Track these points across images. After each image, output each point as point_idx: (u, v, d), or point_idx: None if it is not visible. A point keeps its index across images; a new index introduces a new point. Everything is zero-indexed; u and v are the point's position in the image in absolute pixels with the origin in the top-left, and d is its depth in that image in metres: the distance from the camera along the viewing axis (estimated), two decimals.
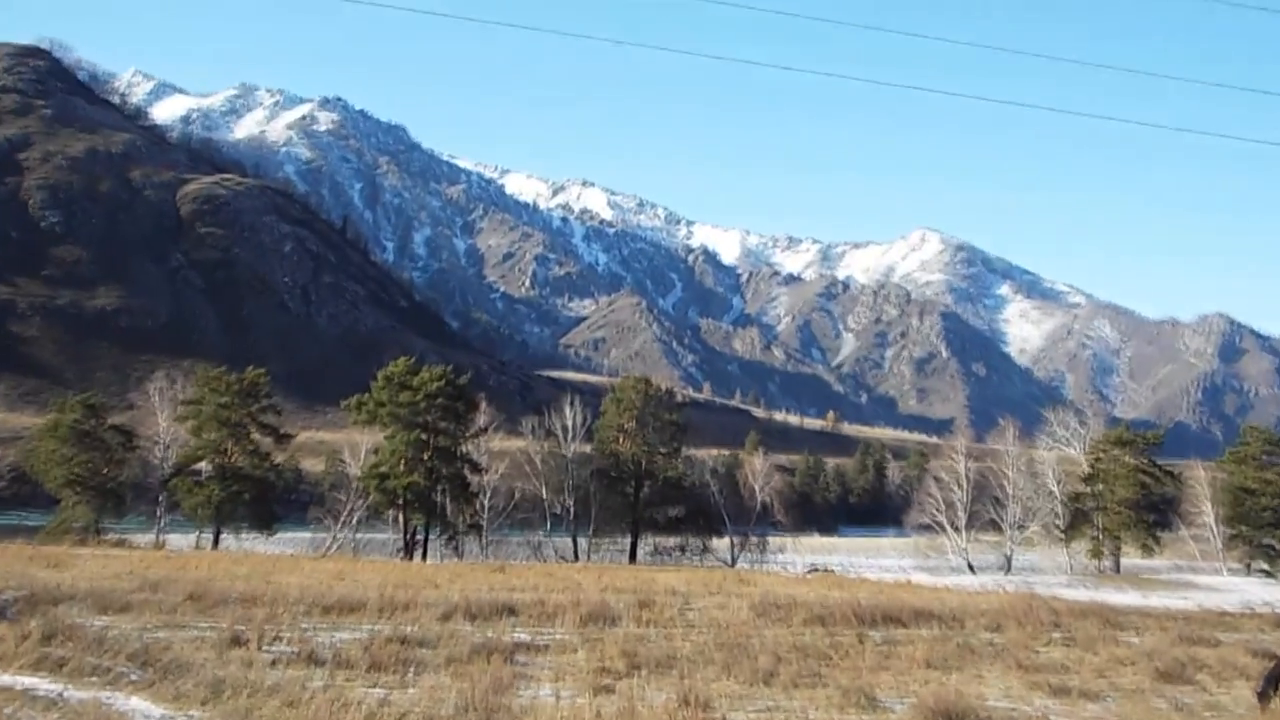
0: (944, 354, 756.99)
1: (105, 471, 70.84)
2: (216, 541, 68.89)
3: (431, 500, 66.56)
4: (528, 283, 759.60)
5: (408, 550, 66.00)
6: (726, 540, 78.43)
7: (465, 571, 43.72)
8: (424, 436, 66.46)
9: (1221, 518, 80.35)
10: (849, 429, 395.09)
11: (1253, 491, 79.07)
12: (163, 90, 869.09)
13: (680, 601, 31.33)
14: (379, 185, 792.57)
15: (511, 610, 26.80)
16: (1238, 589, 55.48)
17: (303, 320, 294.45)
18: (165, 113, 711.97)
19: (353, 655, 19.34)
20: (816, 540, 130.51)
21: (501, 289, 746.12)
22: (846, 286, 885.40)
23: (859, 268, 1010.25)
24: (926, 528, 79.63)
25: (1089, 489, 79.10)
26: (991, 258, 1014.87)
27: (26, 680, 15.88)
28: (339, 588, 30.89)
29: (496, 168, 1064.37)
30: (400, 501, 65.72)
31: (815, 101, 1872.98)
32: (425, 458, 66.23)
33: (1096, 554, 76.27)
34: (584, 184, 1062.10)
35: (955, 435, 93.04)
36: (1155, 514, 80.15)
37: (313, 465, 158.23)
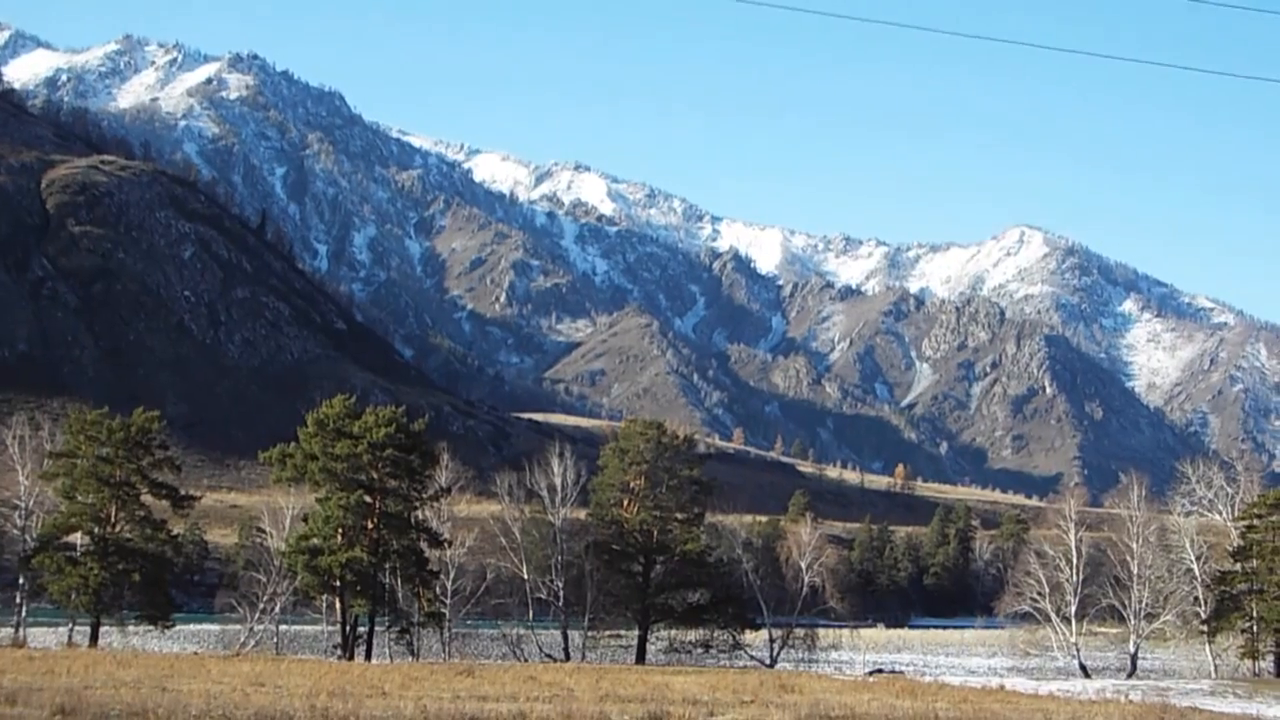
0: (1049, 390, 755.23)
1: None
2: (95, 637, 68.92)
3: (378, 582, 66.66)
4: (503, 298, 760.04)
5: (347, 647, 66.07)
6: (764, 634, 78.43)
7: (422, 675, 43.91)
8: (367, 499, 66.56)
9: None
10: (924, 489, 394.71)
11: None
12: (21, 43, 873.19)
13: (703, 714, 31.55)
14: (308, 170, 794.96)
15: None
16: None
17: (208, 348, 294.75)
18: (24, 73, 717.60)
19: None
20: (881, 634, 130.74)
21: (468, 306, 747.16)
22: (921, 302, 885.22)
23: (937, 277, 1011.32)
24: (1025, 617, 79.52)
25: (1240, 567, 78.85)
26: (1111, 264, 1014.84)
27: None
28: (257, 698, 31.13)
29: (462, 147, 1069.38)
30: (337, 584, 65.76)
31: (875, 56, 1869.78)
32: (369, 527, 66.37)
33: (1251, 653, 75.98)
34: (576, 169, 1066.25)
35: (1063, 496, 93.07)
36: None
37: (222, 537, 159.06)
